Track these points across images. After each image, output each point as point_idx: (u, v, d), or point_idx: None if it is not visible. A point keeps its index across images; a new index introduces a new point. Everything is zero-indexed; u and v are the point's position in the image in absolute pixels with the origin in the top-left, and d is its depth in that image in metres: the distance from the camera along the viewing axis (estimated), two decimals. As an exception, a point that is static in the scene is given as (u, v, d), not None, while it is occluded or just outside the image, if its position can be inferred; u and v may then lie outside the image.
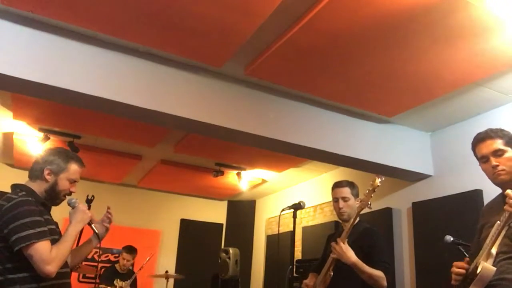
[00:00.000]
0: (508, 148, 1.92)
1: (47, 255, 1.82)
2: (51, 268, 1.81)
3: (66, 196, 2.10)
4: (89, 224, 2.11)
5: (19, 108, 4.24)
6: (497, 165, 1.89)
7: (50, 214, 2.06)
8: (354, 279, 2.51)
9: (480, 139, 1.99)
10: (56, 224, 2.05)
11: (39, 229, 1.84)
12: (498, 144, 1.93)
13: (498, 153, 1.92)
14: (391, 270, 4.24)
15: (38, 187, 2.02)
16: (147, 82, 3.29)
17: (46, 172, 2.02)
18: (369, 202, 2.51)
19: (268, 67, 3.30)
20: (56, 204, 2.09)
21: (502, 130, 1.98)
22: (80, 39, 3.10)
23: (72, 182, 2.08)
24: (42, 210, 1.96)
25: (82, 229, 2.10)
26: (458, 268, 1.86)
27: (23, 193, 1.94)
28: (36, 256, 1.80)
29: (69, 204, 2.11)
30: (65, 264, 2.00)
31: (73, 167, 2.08)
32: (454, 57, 2.97)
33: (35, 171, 2.04)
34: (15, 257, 1.82)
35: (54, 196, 2.04)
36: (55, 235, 1.96)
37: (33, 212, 1.87)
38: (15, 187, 2.01)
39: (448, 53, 2.94)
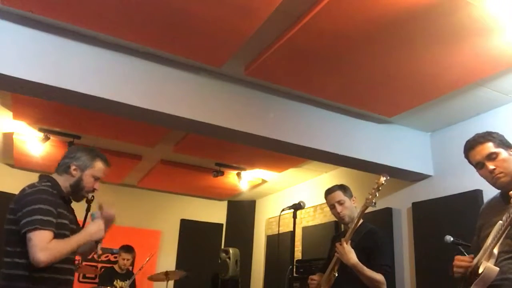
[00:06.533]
0: (500, 150, 1.89)
1: (44, 243, 1.84)
2: (42, 256, 1.81)
3: (89, 193, 2.18)
4: (97, 242, 2.14)
5: (19, 108, 4.24)
6: (494, 169, 1.86)
7: (68, 209, 2.09)
8: (358, 280, 2.51)
9: (470, 147, 1.96)
10: (70, 220, 2.06)
11: (46, 218, 1.88)
12: (490, 147, 1.89)
13: (492, 156, 1.88)
14: (392, 271, 4.24)
15: (64, 182, 2.10)
16: (147, 82, 3.29)
17: (72, 167, 2.11)
18: (373, 201, 2.51)
19: (268, 67, 3.30)
20: (78, 200, 2.17)
21: (490, 133, 1.94)
22: (80, 39, 3.10)
23: (96, 179, 2.16)
24: (60, 203, 2.01)
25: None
26: (460, 261, 1.85)
27: (48, 183, 2.03)
28: (33, 241, 1.83)
29: (91, 215, 2.18)
30: (70, 262, 2.02)
31: (99, 164, 2.17)
32: (454, 57, 2.97)
33: (62, 166, 2.12)
34: (25, 242, 1.85)
35: (78, 191, 2.12)
36: (64, 230, 1.97)
37: (48, 201, 1.93)
38: (41, 177, 2.09)
39: (448, 53, 2.93)
